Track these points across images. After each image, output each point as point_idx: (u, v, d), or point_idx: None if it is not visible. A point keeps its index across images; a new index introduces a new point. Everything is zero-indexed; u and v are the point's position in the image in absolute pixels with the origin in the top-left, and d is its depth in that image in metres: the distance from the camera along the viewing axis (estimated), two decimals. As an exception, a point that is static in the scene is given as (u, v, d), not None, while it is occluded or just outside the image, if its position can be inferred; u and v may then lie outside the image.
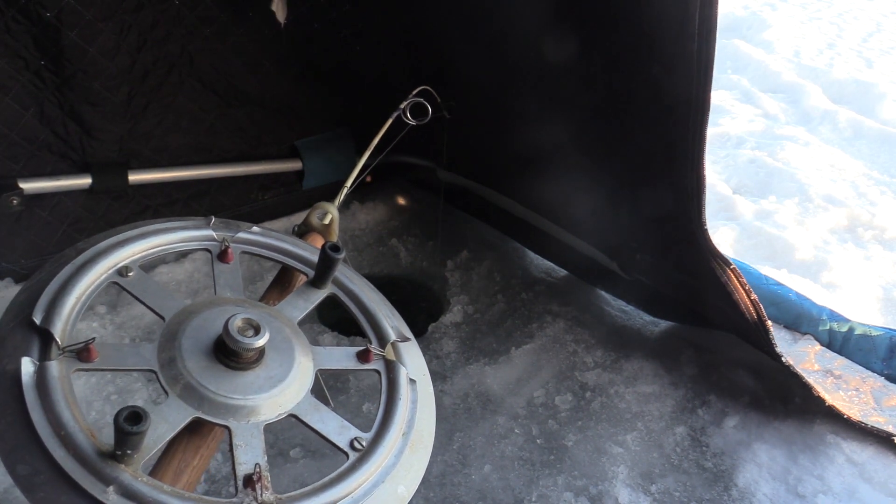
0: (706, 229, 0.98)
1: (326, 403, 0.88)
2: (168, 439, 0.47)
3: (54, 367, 0.46)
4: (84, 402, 1.04)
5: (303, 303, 0.60)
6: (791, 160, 2.73)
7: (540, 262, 1.55)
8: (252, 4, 1.30)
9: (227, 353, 0.50)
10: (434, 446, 1.09)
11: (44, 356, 0.47)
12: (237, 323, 0.49)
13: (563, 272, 1.52)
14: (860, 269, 2.09)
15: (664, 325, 1.40)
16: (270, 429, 0.53)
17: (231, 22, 1.30)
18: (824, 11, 4.82)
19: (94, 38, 1.18)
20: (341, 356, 0.59)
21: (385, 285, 1.51)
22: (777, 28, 4.29)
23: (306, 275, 0.63)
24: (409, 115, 0.78)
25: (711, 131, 0.90)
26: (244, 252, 0.63)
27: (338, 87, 1.53)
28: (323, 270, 0.61)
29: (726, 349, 1.31)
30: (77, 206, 1.33)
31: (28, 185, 1.23)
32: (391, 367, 0.59)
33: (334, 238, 0.70)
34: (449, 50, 1.33)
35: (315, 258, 0.62)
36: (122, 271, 0.56)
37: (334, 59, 1.47)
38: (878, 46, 4.24)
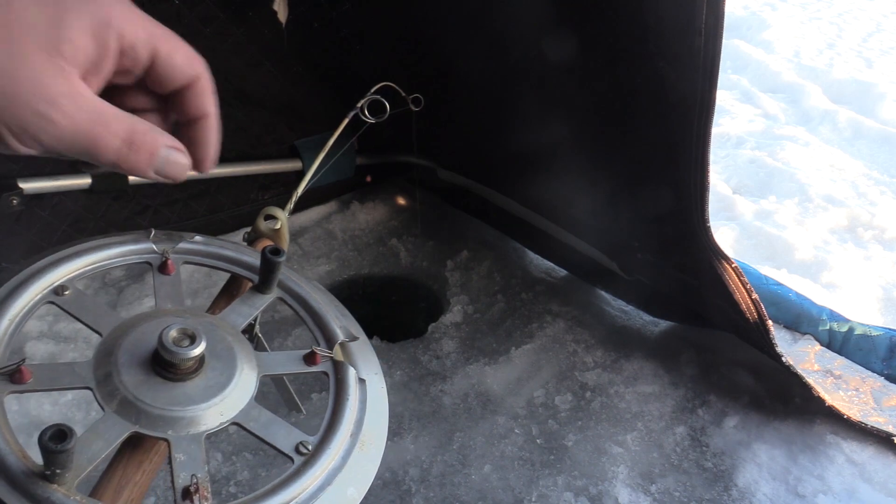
0: (709, 226, 0.98)
1: (298, 410, 0.86)
2: (104, 456, 0.46)
3: None
4: (33, 425, 1.04)
5: (247, 309, 0.59)
6: (791, 160, 2.73)
7: (540, 262, 1.55)
8: (252, 4, 1.30)
9: (164, 365, 0.48)
10: (434, 446, 1.10)
11: None
12: (172, 333, 0.48)
13: (563, 272, 1.52)
14: (860, 269, 2.09)
15: (664, 325, 1.40)
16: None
17: (231, 22, 1.30)
18: (824, 11, 4.82)
19: (94, 38, 1.18)
20: (287, 360, 0.57)
21: (385, 285, 1.53)
22: (777, 28, 4.29)
23: (252, 281, 0.62)
24: (367, 113, 0.76)
25: (712, 131, 0.89)
26: (186, 262, 0.62)
27: (338, 87, 1.53)
28: (265, 275, 0.59)
29: (726, 349, 1.31)
30: (77, 206, 1.33)
31: (28, 185, 1.23)
32: (339, 368, 0.57)
33: (284, 243, 0.69)
34: (449, 50, 1.32)
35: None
36: (58, 290, 0.55)
37: (334, 59, 1.47)
38: (878, 46, 4.24)
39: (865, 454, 1.13)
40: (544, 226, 1.44)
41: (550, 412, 1.18)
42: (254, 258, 0.62)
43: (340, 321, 0.61)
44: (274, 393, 0.93)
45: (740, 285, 1.03)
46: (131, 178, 1.35)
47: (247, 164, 1.49)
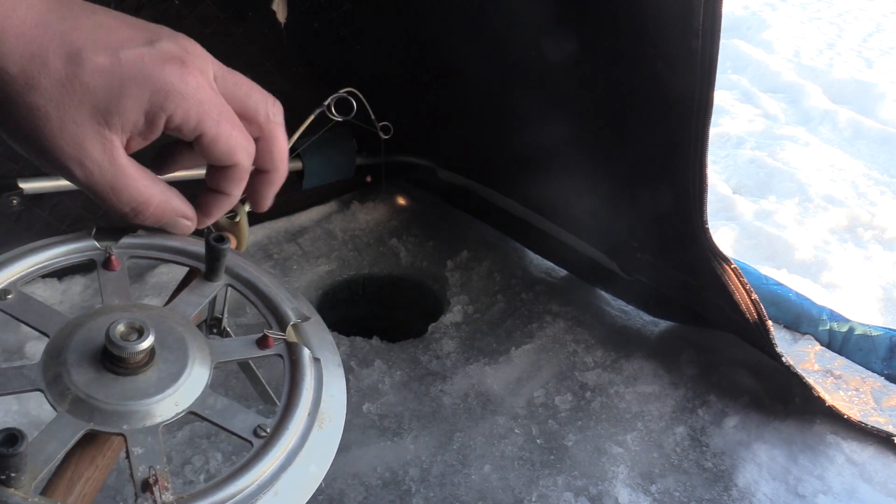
0: (707, 228, 0.98)
1: (272, 403, 0.85)
2: (59, 456, 0.46)
3: None
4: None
5: (196, 298, 0.58)
6: (791, 160, 2.74)
7: (540, 262, 1.55)
8: (252, 4, 1.30)
9: (114, 360, 0.48)
10: (434, 446, 1.10)
11: None
12: (119, 328, 0.48)
13: (563, 272, 1.52)
14: (860, 269, 2.09)
15: (664, 325, 1.40)
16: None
17: (231, 22, 1.30)
18: (824, 11, 4.82)
19: (94, 38, 1.18)
20: (240, 345, 0.57)
21: (385, 285, 1.54)
22: (777, 28, 4.29)
23: (202, 270, 0.61)
24: (333, 111, 0.77)
25: (711, 131, 0.90)
26: (132, 257, 0.62)
27: (338, 87, 1.52)
28: (211, 263, 0.59)
29: (726, 349, 1.31)
30: (77, 206, 1.33)
31: (28, 185, 1.23)
32: (293, 350, 0.57)
33: (244, 237, 0.68)
34: (449, 50, 1.32)
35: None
36: (1, 295, 0.54)
37: (334, 59, 1.47)
38: (878, 46, 4.24)
39: (865, 454, 1.13)
40: (544, 226, 1.44)
41: (550, 412, 1.18)
42: (200, 247, 0.62)
43: (292, 303, 0.61)
44: (241, 385, 0.92)
45: (740, 286, 1.03)
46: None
47: (247, 164, 1.49)
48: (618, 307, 1.44)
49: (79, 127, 0.46)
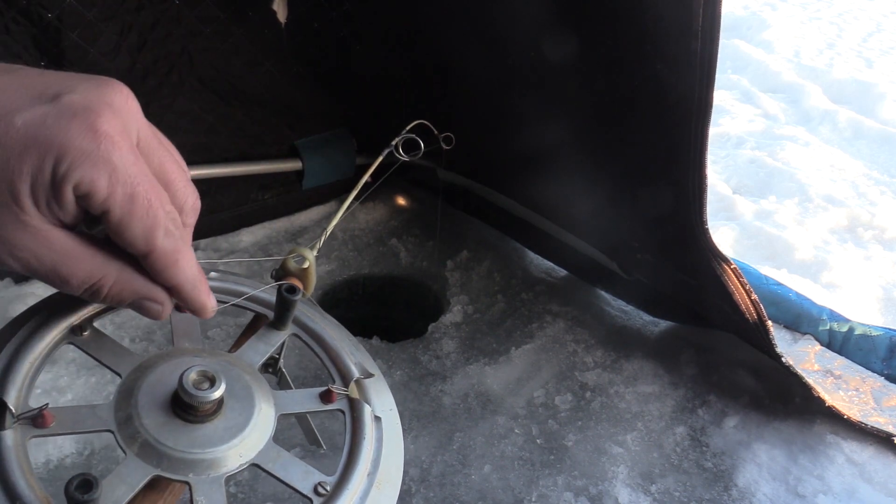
0: (707, 228, 0.98)
1: (318, 445, 0.87)
2: (126, 501, 0.46)
3: (9, 436, 0.46)
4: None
5: (263, 346, 0.59)
6: (791, 160, 2.74)
7: (540, 262, 1.55)
8: (252, 4, 1.30)
9: (184, 408, 0.49)
10: (434, 446, 1.10)
11: None
12: (192, 376, 0.48)
13: (563, 272, 1.52)
14: (860, 269, 2.09)
15: (664, 325, 1.40)
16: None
17: (231, 22, 1.30)
18: (824, 11, 4.82)
19: (95, 39, 1.18)
20: (303, 398, 0.57)
21: (385, 285, 1.54)
22: (777, 28, 4.29)
23: (268, 317, 0.62)
24: (401, 150, 0.78)
25: (711, 131, 0.90)
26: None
27: (338, 87, 1.53)
28: (280, 312, 0.60)
29: (726, 349, 1.31)
30: (77, 206, 1.33)
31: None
32: (355, 406, 0.57)
33: (311, 283, 0.68)
34: (449, 50, 1.32)
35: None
36: (76, 330, 0.55)
37: (334, 59, 1.47)
38: (878, 46, 4.24)
39: (865, 454, 1.13)
40: (544, 226, 1.44)
41: (550, 412, 1.18)
42: (269, 294, 0.62)
43: (355, 357, 0.62)
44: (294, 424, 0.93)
45: (739, 286, 1.03)
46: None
47: (247, 164, 1.49)
48: (618, 307, 1.44)
49: None
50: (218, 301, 0.59)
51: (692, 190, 0.94)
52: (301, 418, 0.77)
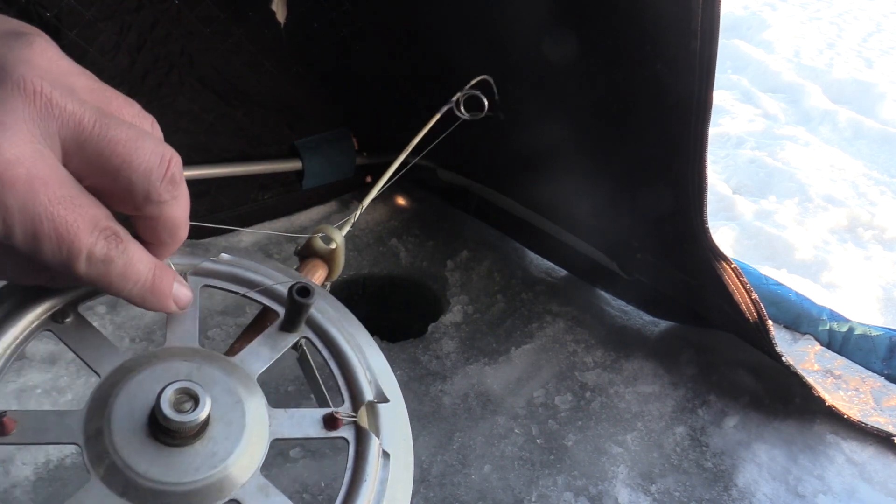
0: (707, 227, 0.98)
1: (326, 404, 0.74)
2: None
3: None
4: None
5: (268, 351, 0.51)
6: (791, 160, 2.74)
7: (540, 262, 1.55)
8: (252, 4, 1.30)
9: (161, 429, 0.42)
10: (434, 446, 1.10)
11: None
12: (171, 395, 0.42)
13: (563, 272, 1.52)
14: (860, 269, 2.09)
15: (664, 325, 1.40)
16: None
17: (231, 22, 1.30)
18: (824, 11, 4.82)
19: (94, 38, 1.18)
20: (304, 421, 0.49)
21: (385, 285, 1.53)
22: (777, 28, 4.29)
23: (279, 314, 0.53)
24: (462, 108, 0.68)
25: (711, 131, 0.90)
26: (206, 286, 0.53)
27: (338, 87, 1.53)
28: (291, 315, 0.52)
29: (726, 349, 1.31)
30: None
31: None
32: (361, 437, 0.49)
33: (338, 267, 0.60)
34: (449, 49, 1.32)
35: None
36: (58, 316, 0.47)
37: (334, 59, 1.47)
38: (878, 46, 4.24)
39: (865, 454, 1.13)
40: (544, 226, 1.44)
41: (550, 412, 1.18)
42: (285, 287, 0.54)
43: (372, 373, 0.53)
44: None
45: (740, 285, 1.03)
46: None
47: (247, 164, 1.49)
48: (618, 307, 1.44)
49: None
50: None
51: (692, 189, 0.94)
52: (310, 376, 0.65)
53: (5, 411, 0.41)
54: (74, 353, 0.46)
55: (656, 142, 1.01)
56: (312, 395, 0.65)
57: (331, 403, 0.51)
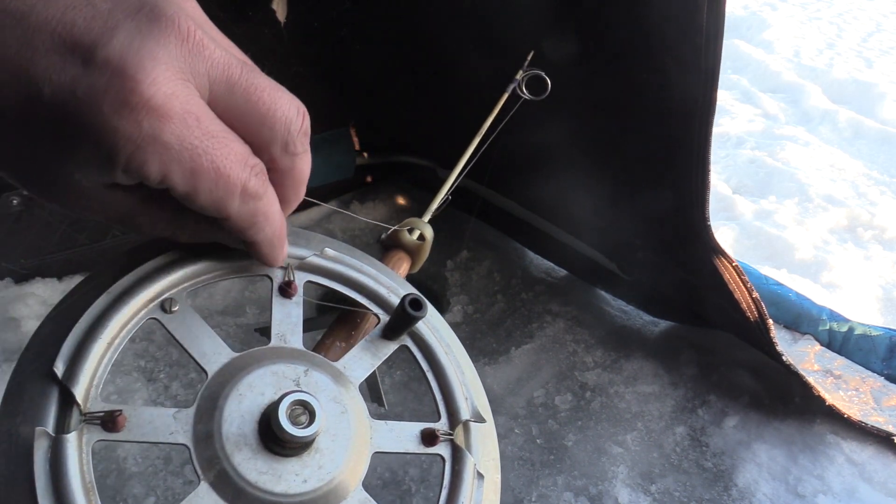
0: (709, 225, 0.98)
1: (381, 404, 0.72)
2: None
3: (72, 442, 0.38)
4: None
5: (370, 358, 0.50)
6: (791, 160, 2.74)
7: (540, 262, 1.55)
8: (252, 4, 1.30)
9: (274, 439, 0.42)
10: (434, 446, 1.10)
11: (62, 423, 0.39)
12: (288, 406, 0.41)
13: (563, 272, 1.52)
14: (860, 269, 2.09)
15: (664, 325, 1.40)
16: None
17: (231, 22, 1.30)
18: (824, 11, 4.83)
19: (93, 38, 1.18)
20: (403, 436, 0.48)
21: (385, 285, 1.53)
22: (777, 28, 4.29)
23: (378, 317, 0.52)
24: (524, 89, 0.66)
25: (713, 130, 0.90)
26: (309, 282, 0.52)
27: (338, 86, 1.53)
28: (397, 323, 0.51)
29: (726, 349, 1.31)
30: (77, 205, 1.33)
31: (28, 185, 1.23)
32: (458, 457, 0.49)
33: (421, 261, 0.57)
34: (449, 49, 1.32)
35: (396, 297, 0.52)
36: (165, 305, 0.45)
37: (334, 58, 1.47)
38: (878, 46, 4.24)
39: (865, 454, 1.13)
40: (544, 226, 1.44)
41: (550, 412, 1.18)
42: (390, 291, 0.52)
43: (468, 391, 0.54)
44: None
45: (741, 283, 1.03)
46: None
47: (247, 163, 1.49)
48: (618, 307, 1.44)
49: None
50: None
51: (695, 186, 0.94)
52: (370, 381, 0.65)
53: (120, 410, 0.41)
54: (181, 345, 0.45)
55: (659, 140, 1.01)
56: (369, 395, 0.64)
57: (385, 404, 0.51)
